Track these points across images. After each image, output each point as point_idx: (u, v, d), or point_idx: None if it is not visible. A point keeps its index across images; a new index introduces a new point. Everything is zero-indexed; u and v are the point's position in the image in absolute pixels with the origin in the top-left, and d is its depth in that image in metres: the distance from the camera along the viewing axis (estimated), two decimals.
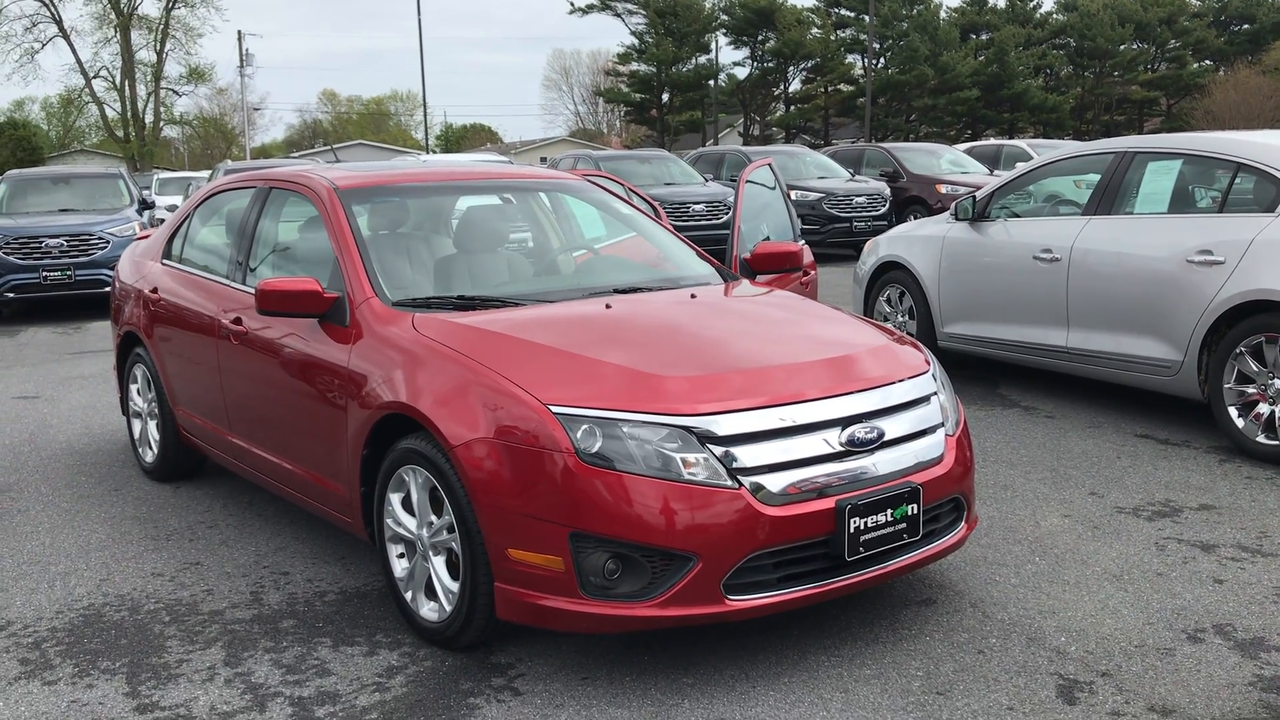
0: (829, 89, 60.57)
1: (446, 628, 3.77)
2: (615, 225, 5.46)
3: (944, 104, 59.59)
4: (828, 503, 3.51)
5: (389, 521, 4.02)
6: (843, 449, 3.59)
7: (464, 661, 3.77)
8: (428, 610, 3.88)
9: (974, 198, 7.73)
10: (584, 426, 3.42)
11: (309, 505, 4.60)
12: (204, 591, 4.46)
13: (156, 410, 5.85)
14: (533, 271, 4.93)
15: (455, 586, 3.74)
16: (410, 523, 3.93)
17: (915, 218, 17.67)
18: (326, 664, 3.79)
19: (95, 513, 5.50)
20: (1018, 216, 7.57)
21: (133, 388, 6.17)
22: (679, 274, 4.90)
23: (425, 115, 51.09)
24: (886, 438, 3.70)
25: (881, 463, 3.67)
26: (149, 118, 59.86)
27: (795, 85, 62.62)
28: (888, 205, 17.78)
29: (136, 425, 6.19)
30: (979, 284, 7.55)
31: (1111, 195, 6.80)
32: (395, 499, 3.99)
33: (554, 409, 3.46)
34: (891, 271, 8.41)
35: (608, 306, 4.24)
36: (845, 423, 3.64)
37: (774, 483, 3.46)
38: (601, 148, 58.95)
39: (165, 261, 5.85)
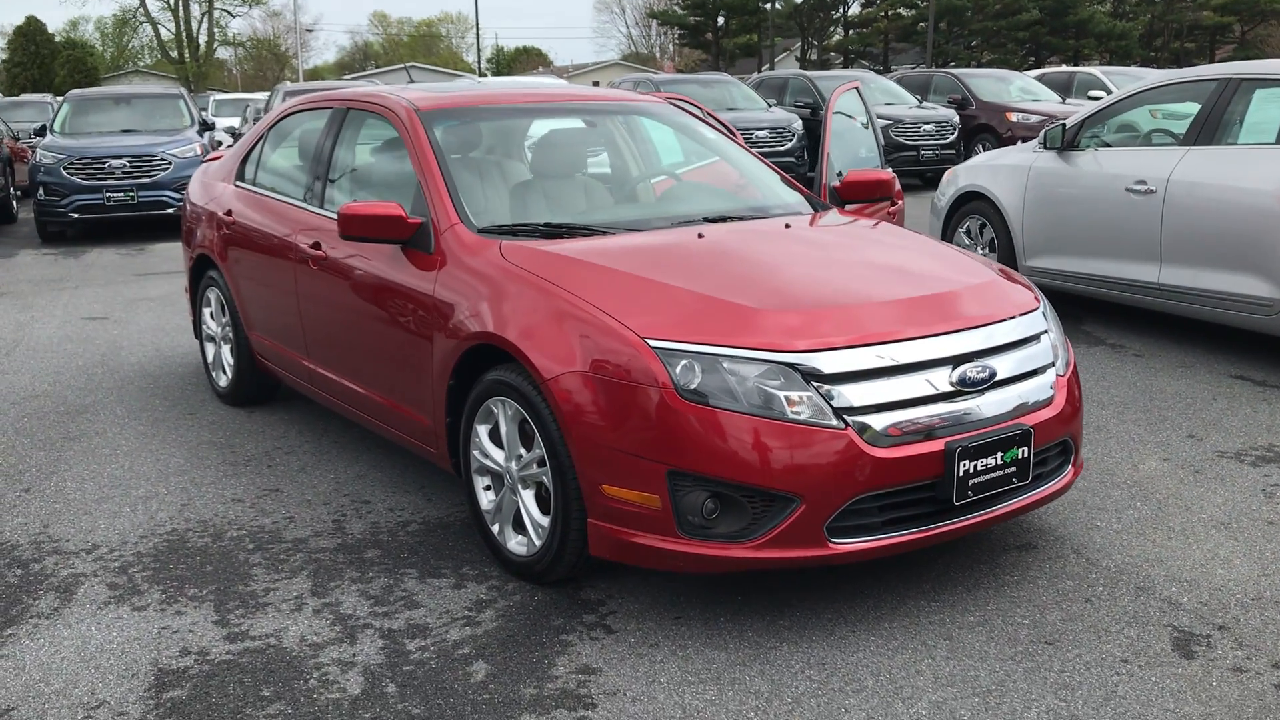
0: (889, 13, 59.17)
1: (536, 562, 3.69)
2: (696, 150, 5.28)
3: (1005, 28, 58.07)
4: (936, 445, 3.37)
5: (475, 454, 3.94)
6: (952, 389, 3.44)
7: (553, 596, 3.70)
8: (515, 544, 3.81)
9: (1064, 126, 7.45)
10: (683, 362, 3.30)
11: (389, 434, 4.54)
12: (285, 519, 4.42)
13: (230, 335, 5.80)
14: (616, 198, 4.78)
15: (545, 521, 3.66)
16: (498, 455, 3.84)
17: (984, 147, 17.23)
18: (414, 596, 3.73)
19: (172, 437, 5.48)
20: (1109, 146, 7.29)
21: (206, 311, 6.12)
22: (767, 202, 4.74)
23: (478, 37, 50.59)
24: (997, 378, 3.54)
25: (991, 404, 3.52)
26: (203, 39, 59.82)
27: (854, 9, 61.33)
28: (956, 133, 17.35)
29: (210, 349, 6.15)
30: (1066, 216, 7.29)
31: (1213, 125, 6.51)
32: (482, 431, 3.90)
33: (651, 343, 3.33)
34: (972, 202, 8.16)
35: (700, 236, 4.09)
36: (955, 362, 3.48)
37: (880, 423, 3.32)
38: (655, 71, 58.11)
39: (239, 184, 5.76)
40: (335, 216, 4.72)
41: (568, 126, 5.06)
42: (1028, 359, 3.68)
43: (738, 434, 3.24)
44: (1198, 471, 4.72)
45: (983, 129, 18.19)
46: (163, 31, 59.86)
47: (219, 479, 4.88)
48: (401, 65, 51.10)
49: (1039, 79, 20.52)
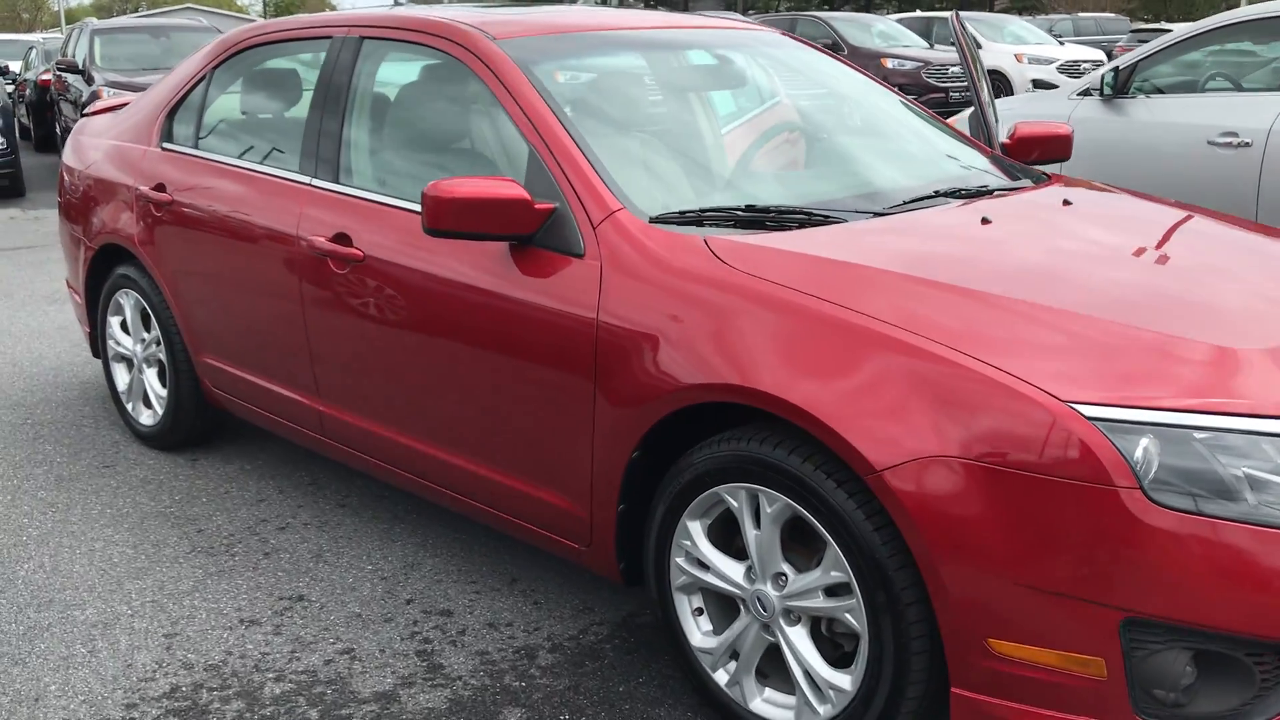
0: None
1: None
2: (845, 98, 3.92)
3: None
4: None
5: (680, 563, 2.60)
6: None
7: None
8: (767, 707, 2.50)
9: (1116, 70, 6.46)
10: (1144, 441, 2.05)
11: (489, 516, 3.12)
12: (340, 653, 2.96)
13: (163, 357, 4.19)
14: (801, 164, 3.42)
15: (843, 681, 2.36)
16: (732, 571, 2.51)
17: None
18: None
19: (97, 508, 3.86)
20: (1161, 93, 6.36)
21: (114, 322, 4.45)
22: (968, 167, 3.47)
23: None
24: None
25: None
26: None
27: None
28: None
29: (122, 374, 4.50)
30: (1126, 174, 6.32)
31: None
32: (697, 530, 2.56)
33: (1085, 410, 2.06)
34: None
35: (985, 221, 2.83)
36: None
37: None
38: None
39: (169, 146, 4.12)
40: (374, 199, 3.24)
41: (706, 65, 3.65)
42: None
43: (1249, 556, 2.01)
44: None
45: None
46: None
47: (203, 582, 3.34)
48: (183, 5, 46.90)
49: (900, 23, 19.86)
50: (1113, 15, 32.03)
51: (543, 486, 2.89)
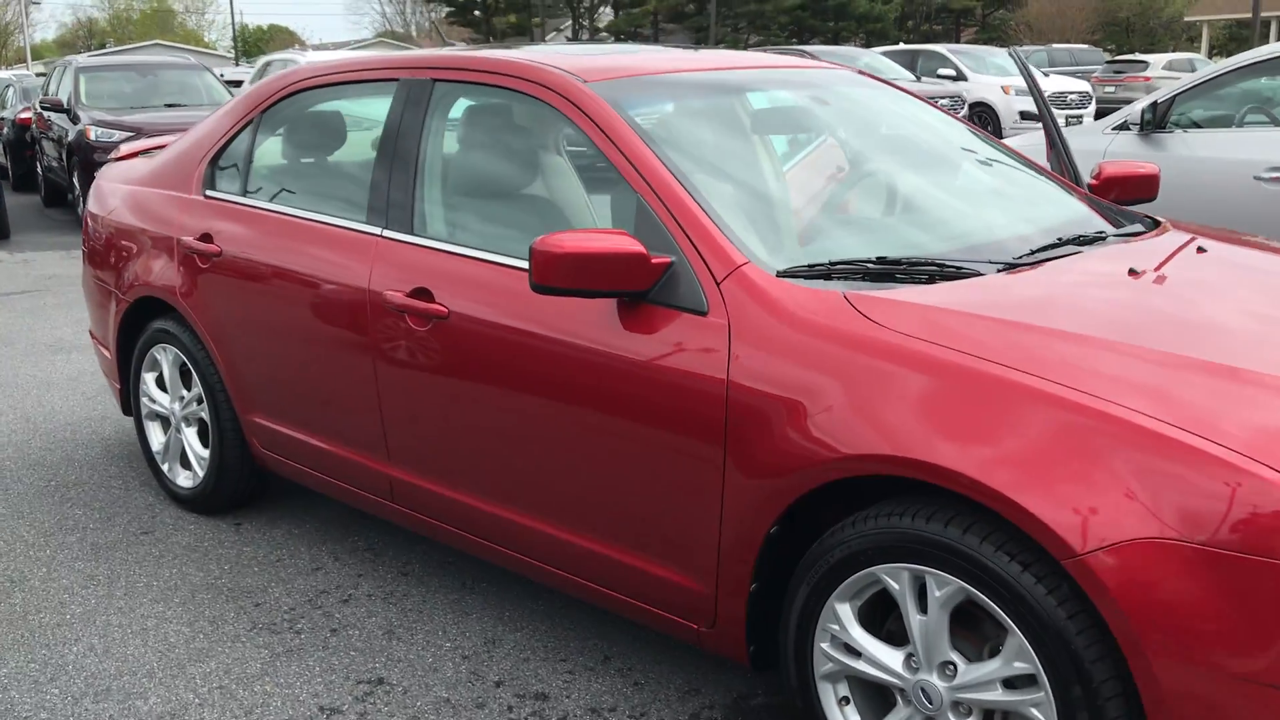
0: None
1: None
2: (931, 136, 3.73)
3: (770, 11, 58.49)
4: None
5: (826, 649, 2.39)
6: None
7: None
8: None
9: (1155, 104, 6.35)
10: None
11: (576, 586, 2.91)
12: None
13: (207, 415, 3.95)
14: (911, 209, 3.22)
15: None
16: (889, 657, 2.31)
17: None
18: None
19: (142, 580, 3.61)
20: (1199, 127, 6.26)
21: (149, 378, 4.20)
22: (1071, 213, 3.29)
23: (233, 10, 46.66)
24: None
25: None
26: None
27: None
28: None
29: (157, 433, 4.25)
30: (1169, 206, 6.18)
31: None
32: (846, 613, 2.36)
33: None
34: None
35: (1132, 272, 2.65)
36: None
37: None
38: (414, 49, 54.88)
39: (213, 195, 3.89)
40: (456, 251, 3.04)
41: (797, 106, 3.47)
42: None
43: None
44: None
45: None
46: None
47: (271, 664, 3.10)
48: (152, 42, 46.57)
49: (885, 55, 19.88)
50: (1086, 46, 32.30)
51: (655, 561, 2.68)
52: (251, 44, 79.58)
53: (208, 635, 3.26)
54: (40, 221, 12.32)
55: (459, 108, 3.31)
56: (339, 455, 3.48)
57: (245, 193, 3.80)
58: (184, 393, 4.05)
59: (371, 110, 3.55)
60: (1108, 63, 27.54)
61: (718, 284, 2.54)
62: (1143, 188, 3.73)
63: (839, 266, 2.60)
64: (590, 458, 2.73)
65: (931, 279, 2.58)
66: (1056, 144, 3.92)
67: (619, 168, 2.79)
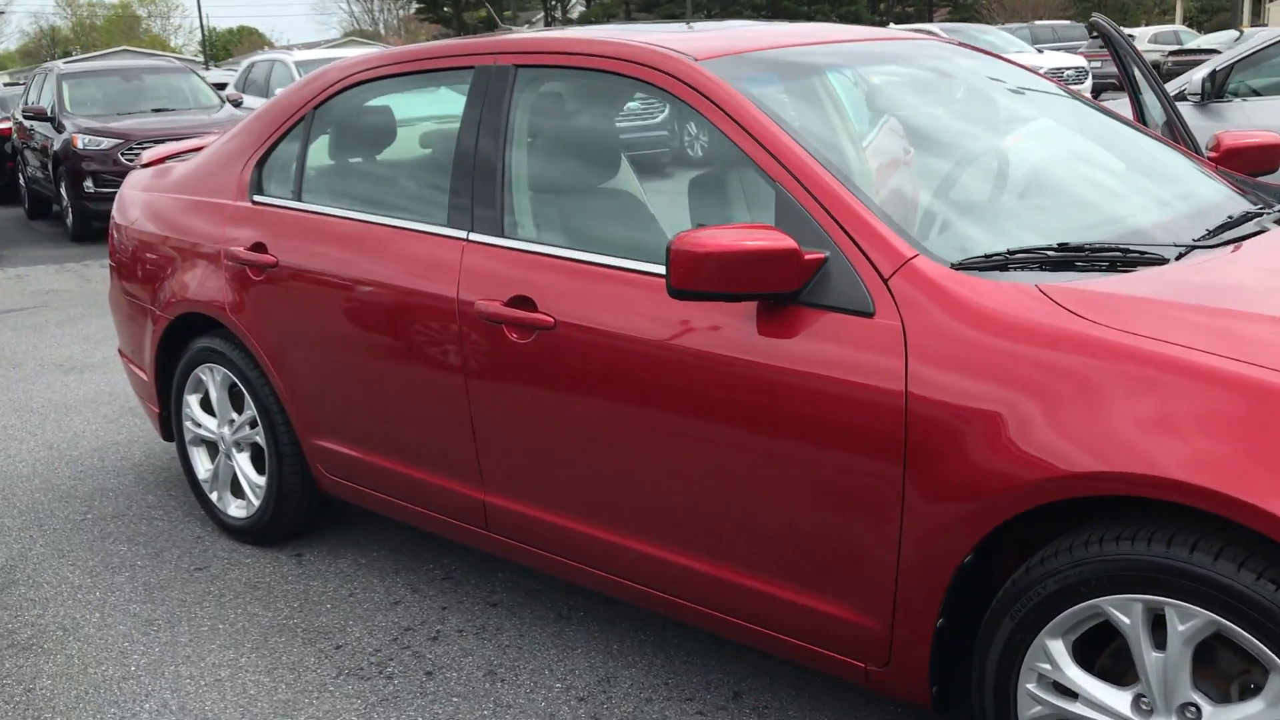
0: None
1: None
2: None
3: None
4: None
5: (1030, 688, 2.11)
6: None
7: None
8: None
9: (1213, 73, 6.11)
10: None
11: (712, 620, 2.62)
12: None
13: (264, 439, 3.64)
14: (1061, 188, 2.92)
15: None
16: (1113, 698, 2.03)
17: None
18: None
19: (206, 623, 3.30)
20: (1258, 95, 6.03)
21: (193, 401, 3.89)
22: (1210, 190, 3.03)
23: (202, 14, 45.96)
24: None
25: None
26: None
27: None
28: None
29: (203, 459, 3.94)
30: None
31: None
32: (1059, 648, 2.08)
33: None
34: None
35: None
36: None
37: None
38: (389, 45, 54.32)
39: (261, 200, 3.58)
40: (561, 255, 2.74)
41: (919, 80, 3.17)
42: None
43: None
44: None
45: None
46: None
47: (367, 717, 2.80)
48: (120, 48, 45.90)
49: None
50: (1068, 22, 32.14)
51: (814, 594, 2.40)
52: (219, 47, 78.78)
53: (290, 685, 2.96)
54: (27, 235, 11.92)
55: (548, 95, 3.00)
56: (419, 479, 3.18)
57: (300, 197, 3.49)
58: (234, 416, 3.74)
59: (441, 103, 3.25)
60: (1092, 38, 27.32)
61: (885, 281, 2.25)
62: (1265, 158, 3.45)
63: (1017, 256, 2.32)
64: (736, 480, 2.44)
65: (1114, 266, 2.30)
66: (1171, 117, 3.64)
67: (752, 155, 2.49)
